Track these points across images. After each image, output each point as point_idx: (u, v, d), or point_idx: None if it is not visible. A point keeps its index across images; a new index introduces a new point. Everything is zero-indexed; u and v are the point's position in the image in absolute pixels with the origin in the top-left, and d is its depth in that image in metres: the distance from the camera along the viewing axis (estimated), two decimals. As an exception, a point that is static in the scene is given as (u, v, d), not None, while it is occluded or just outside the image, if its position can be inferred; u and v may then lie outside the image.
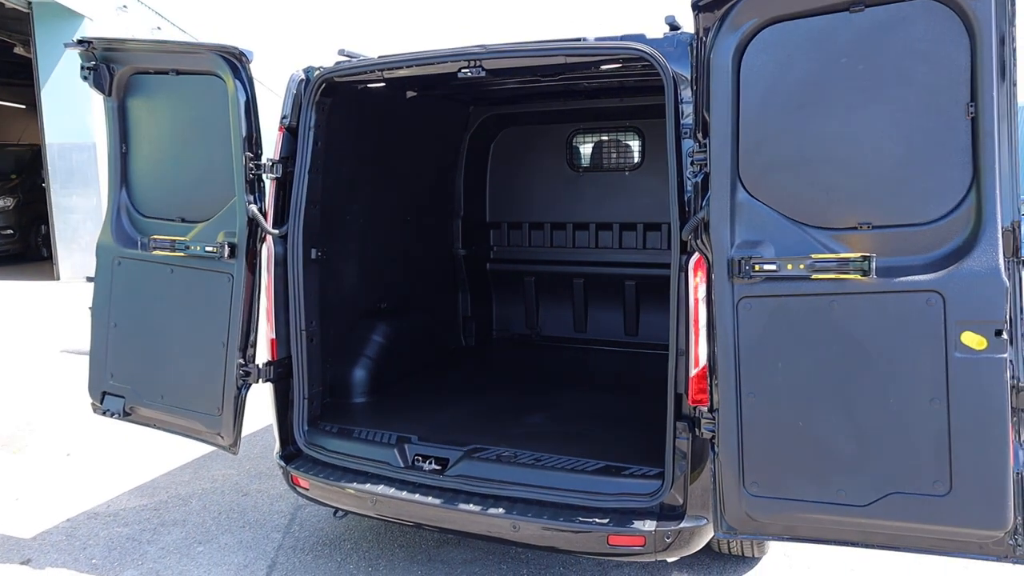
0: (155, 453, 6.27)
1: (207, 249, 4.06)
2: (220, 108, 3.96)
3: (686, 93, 3.34)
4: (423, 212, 5.94)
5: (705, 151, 3.04)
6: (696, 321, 3.22)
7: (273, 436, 4.34)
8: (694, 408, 3.25)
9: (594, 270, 6.35)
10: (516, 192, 6.59)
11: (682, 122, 3.34)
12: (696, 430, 3.21)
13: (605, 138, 6.35)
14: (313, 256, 4.25)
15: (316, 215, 4.24)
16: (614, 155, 6.29)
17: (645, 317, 6.31)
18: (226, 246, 3.99)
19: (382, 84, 4.45)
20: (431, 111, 5.74)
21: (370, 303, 5.24)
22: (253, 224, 4.00)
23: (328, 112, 4.22)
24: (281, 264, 4.15)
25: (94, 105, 14.74)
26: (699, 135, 3.10)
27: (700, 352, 3.22)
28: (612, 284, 6.33)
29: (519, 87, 5.36)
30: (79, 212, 14.88)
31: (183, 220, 4.28)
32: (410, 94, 5.25)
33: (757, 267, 2.93)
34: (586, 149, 6.42)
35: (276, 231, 4.06)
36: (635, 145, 6.20)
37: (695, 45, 3.00)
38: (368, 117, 4.75)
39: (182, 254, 4.16)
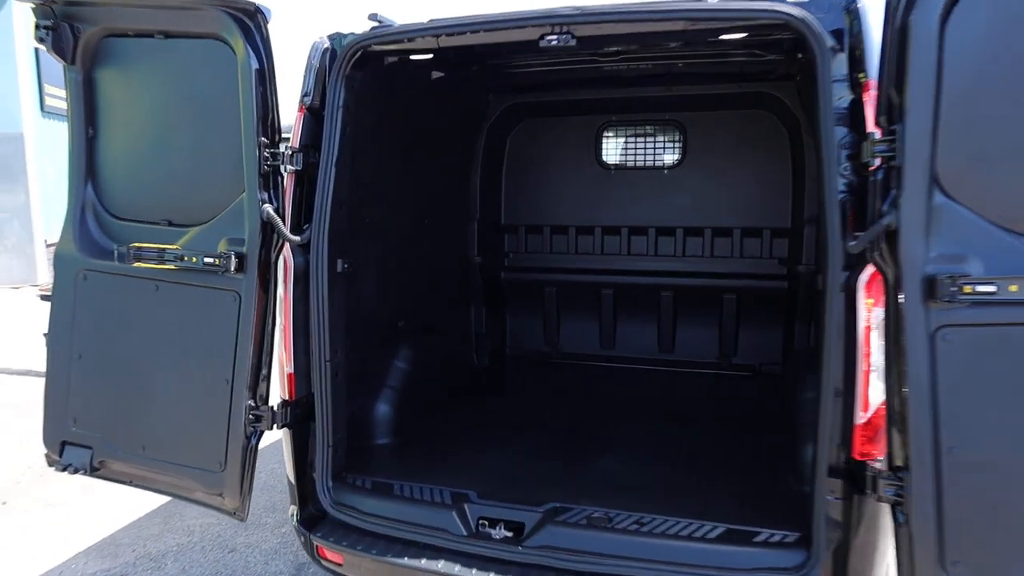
0: (114, 497, 5.25)
1: (207, 261, 3.19)
2: (225, 81, 3.09)
3: (839, 68, 2.67)
4: (440, 215, 5.14)
5: (892, 140, 2.38)
6: (867, 354, 2.55)
7: (287, 492, 3.49)
8: (859, 463, 2.59)
9: (626, 280, 5.67)
10: (536, 192, 5.85)
11: (835, 105, 2.67)
12: (865, 490, 2.55)
13: (641, 132, 5.67)
14: (339, 269, 3.41)
15: (343, 218, 3.41)
16: (651, 151, 5.62)
17: (682, 332, 5.66)
18: (232, 257, 3.13)
19: (425, 56, 3.65)
20: (449, 98, 4.95)
21: (389, 322, 4.42)
22: (268, 229, 3.15)
23: (357, 90, 3.39)
24: (301, 279, 3.31)
25: (23, 86, 13.25)
26: (881, 120, 2.43)
27: (871, 393, 2.56)
28: (646, 295, 5.65)
29: (550, 70, 4.63)
30: (5, 211, 13.35)
31: (171, 224, 3.39)
32: (436, 75, 4.46)
33: (967, 288, 2.28)
34: (618, 144, 5.73)
35: (297, 238, 3.21)
36: (675, 140, 5.54)
37: (892, 5, 2.32)
38: (392, 101, 3.93)
39: (172, 267, 3.27)
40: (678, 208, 5.51)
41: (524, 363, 5.90)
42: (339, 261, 3.42)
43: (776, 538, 2.87)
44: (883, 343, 2.50)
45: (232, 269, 3.12)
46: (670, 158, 5.57)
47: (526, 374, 5.68)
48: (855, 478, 2.62)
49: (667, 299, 5.61)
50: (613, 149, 5.70)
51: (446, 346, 4.93)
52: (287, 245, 3.25)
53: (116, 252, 3.34)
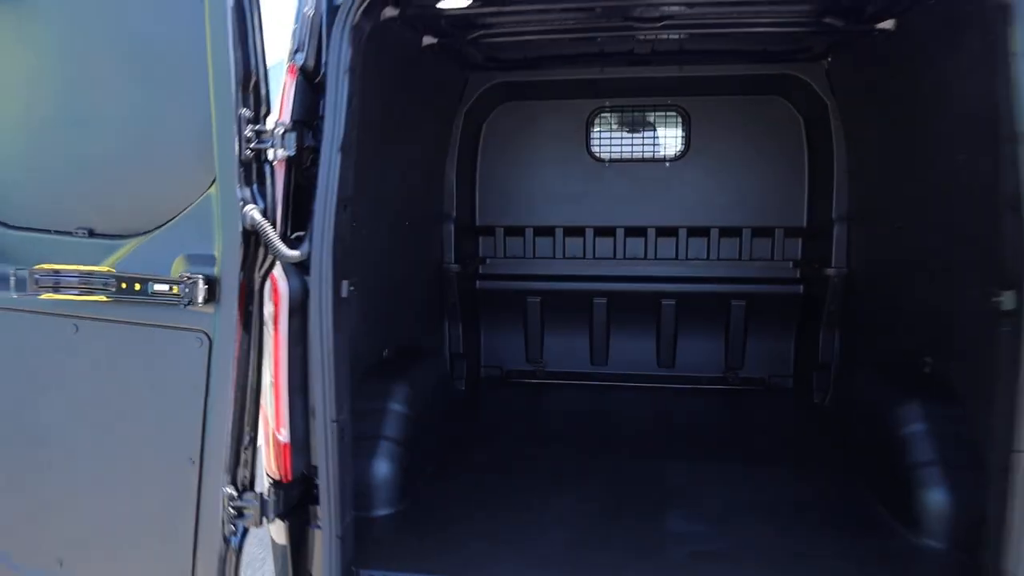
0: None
1: (158, 289, 2.19)
2: (181, 21, 2.11)
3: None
4: (416, 216, 4.24)
5: None
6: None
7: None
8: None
9: (621, 287, 4.98)
10: (516, 188, 5.05)
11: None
12: None
13: (639, 119, 5.00)
14: (345, 293, 2.49)
15: (346, 223, 2.49)
16: (649, 141, 4.96)
17: (684, 344, 5.05)
18: (200, 283, 2.15)
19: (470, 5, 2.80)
20: (426, 74, 4.06)
21: (375, 351, 3.50)
22: (252, 241, 2.20)
23: (363, 50, 2.47)
24: (298, 311, 2.36)
25: None
26: None
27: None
28: (644, 304, 5.00)
29: (538, 41, 3.85)
30: None
31: (93, 234, 2.35)
32: (427, 41, 3.57)
33: None
34: (612, 133, 5.03)
35: (295, 253, 2.27)
36: (678, 129, 4.91)
37: None
38: (373, 73, 3.00)
39: (102, 298, 2.23)
40: (680, 206, 4.89)
41: (505, 385, 5.10)
42: (344, 283, 2.49)
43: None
44: None
45: (199, 300, 2.14)
46: (671, 149, 4.94)
47: (520, 400, 4.88)
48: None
49: (668, 308, 4.98)
50: (606, 139, 4.99)
51: (434, 375, 4.05)
52: (278, 264, 2.29)
53: (12, 278, 2.25)
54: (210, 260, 2.20)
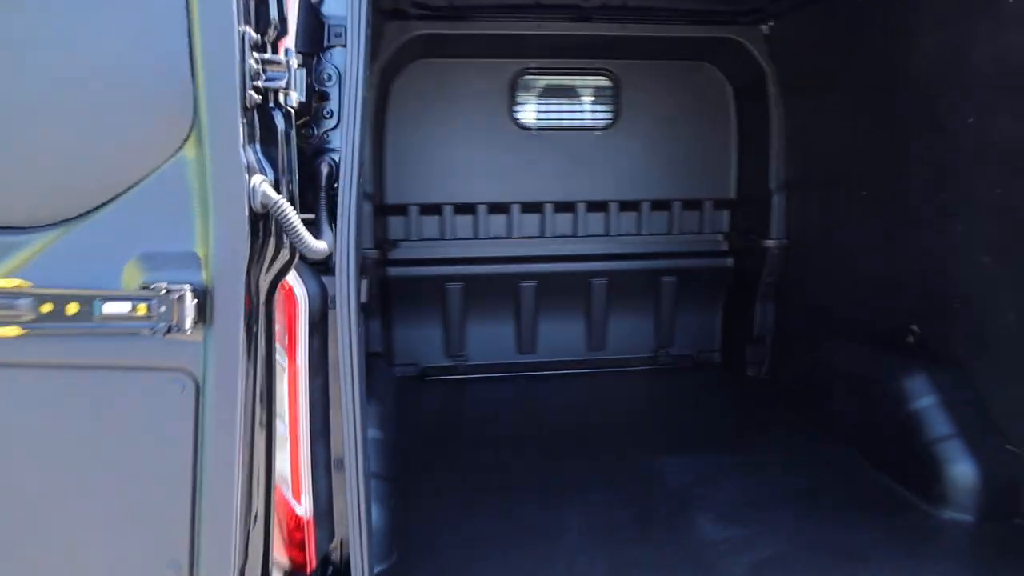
0: None
1: (109, 312, 1.38)
2: None
3: None
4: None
5: None
6: None
7: None
8: None
9: (550, 268, 4.57)
10: (432, 160, 4.41)
11: None
12: None
13: (567, 83, 4.56)
14: (364, 296, 1.82)
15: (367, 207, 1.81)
16: (578, 108, 4.56)
17: (615, 325, 4.77)
18: (186, 298, 1.39)
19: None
20: None
21: None
22: (263, 229, 1.47)
23: None
24: (319, 328, 1.66)
25: None
26: None
27: None
28: (573, 285, 4.64)
29: None
30: None
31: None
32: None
33: None
34: (540, 98, 4.54)
35: (322, 245, 1.55)
36: (608, 95, 4.55)
37: None
38: None
39: (11, 331, 1.38)
40: (611, 178, 4.57)
41: (423, 386, 4.50)
42: (364, 283, 1.82)
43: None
44: None
45: (187, 324, 1.38)
46: (601, 117, 4.58)
47: (440, 401, 4.30)
48: None
49: (598, 287, 4.66)
50: (532, 104, 4.51)
51: (392, 385, 3.37)
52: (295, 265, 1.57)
53: None
54: (190, 261, 1.43)
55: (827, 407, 3.57)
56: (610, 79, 4.50)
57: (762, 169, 4.31)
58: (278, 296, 1.55)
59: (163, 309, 1.38)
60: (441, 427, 3.88)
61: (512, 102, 4.43)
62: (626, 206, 4.61)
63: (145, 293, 1.38)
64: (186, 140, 1.43)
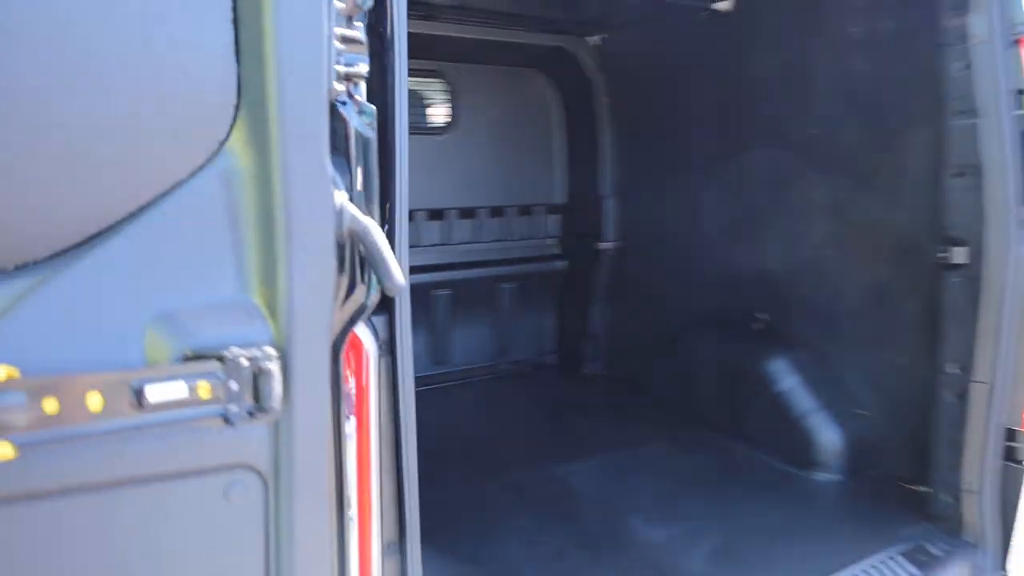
0: None
1: (158, 398, 0.94)
2: None
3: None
4: None
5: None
6: None
7: None
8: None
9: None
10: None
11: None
12: None
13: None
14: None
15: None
16: (418, 111, 4.29)
17: (459, 335, 4.63)
18: (269, 367, 0.99)
19: None
20: None
21: None
22: (352, 266, 1.12)
23: None
24: (386, 381, 1.31)
25: None
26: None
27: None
28: (415, 299, 4.36)
29: None
30: None
31: None
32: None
33: None
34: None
35: (403, 278, 1.22)
36: (442, 97, 4.36)
37: None
38: None
39: (8, 451, 0.85)
40: (450, 185, 4.41)
41: None
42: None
43: (941, 545, 2.57)
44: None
45: (272, 402, 0.99)
46: (440, 122, 4.38)
47: None
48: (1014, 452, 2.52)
49: (443, 299, 4.49)
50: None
51: None
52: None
53: None
54: (248, 313, 1.04)
55: (690, 395, 3.84)
56: (447, 82, 4.33)
57: (594, 175, 4.50)
58: (347, 349, 1.18)
59: (235, 387, 0.96)
60: None
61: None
62: (464, 213, 4.49)
63: (203, 367, 0.96)
64: (224, 142, 1.03)
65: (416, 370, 4.25)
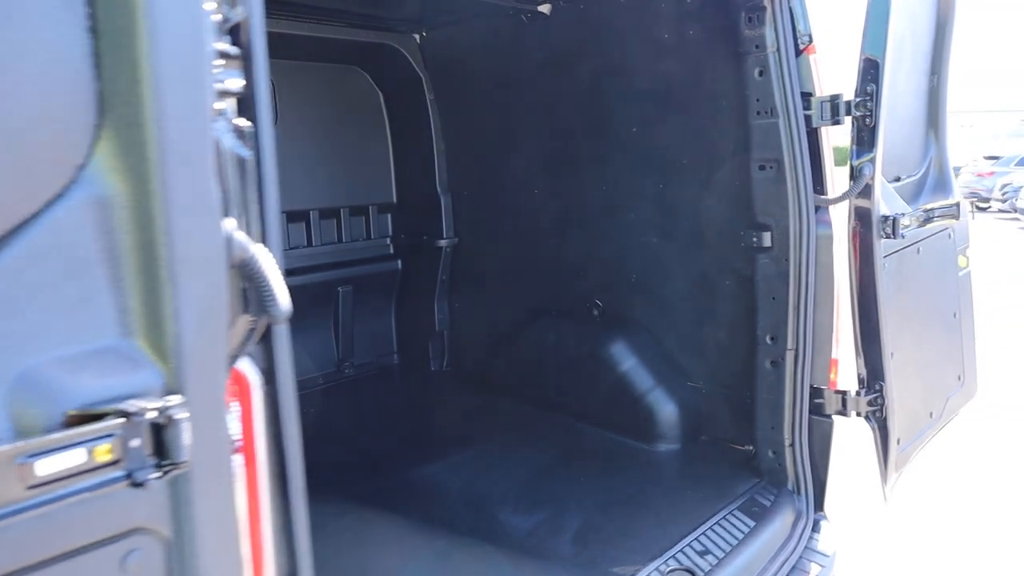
0: None
1: (48, 469, 0.81)
2: None
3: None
4: None
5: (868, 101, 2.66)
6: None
7: None
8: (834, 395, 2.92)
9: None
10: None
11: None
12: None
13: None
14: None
15: None
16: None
17: (296, 344, 4.39)
18: (175, 418, 0.90)
19: None
20: None
21: None
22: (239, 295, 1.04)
23: None
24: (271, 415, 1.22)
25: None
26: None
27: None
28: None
29: None
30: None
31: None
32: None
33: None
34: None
35: (288, 304, 1.15)
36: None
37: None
38: None
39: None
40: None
41: None
42: None
43: (769, 495, 2.92)
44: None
45: (181, 455, 0.90)
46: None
47: None
48: (821, 407, 2.93)
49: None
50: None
51: None
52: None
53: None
54: (133, 360, 0.93)
55: (537, 383, 3.98)
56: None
57: (426, 172, 4.49)
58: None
59: (137, 443, 0.86)
60: None
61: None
62: (294, 217, 4.28)
63: (97, 427, 0.84)
64: (86, 163, 0.91)
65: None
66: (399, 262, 4.75)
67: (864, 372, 2.83)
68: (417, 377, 4.68)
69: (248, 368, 1.15)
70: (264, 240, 1.22)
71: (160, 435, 0.88)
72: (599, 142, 3.61)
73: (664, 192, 3.40)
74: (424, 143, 4.45)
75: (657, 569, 2.43)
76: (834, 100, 2.72)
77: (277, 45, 3.87)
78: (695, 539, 2.60)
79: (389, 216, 4.74)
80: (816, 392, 2.93)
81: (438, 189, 4.49)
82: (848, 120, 2.71)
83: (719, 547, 2.57)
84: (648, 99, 3.35)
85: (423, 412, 4.17)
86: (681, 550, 2.54)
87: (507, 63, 3.91)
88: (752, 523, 2.73)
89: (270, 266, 1.09)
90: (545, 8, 3.54)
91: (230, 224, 0.99)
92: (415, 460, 3.36)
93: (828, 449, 2.96)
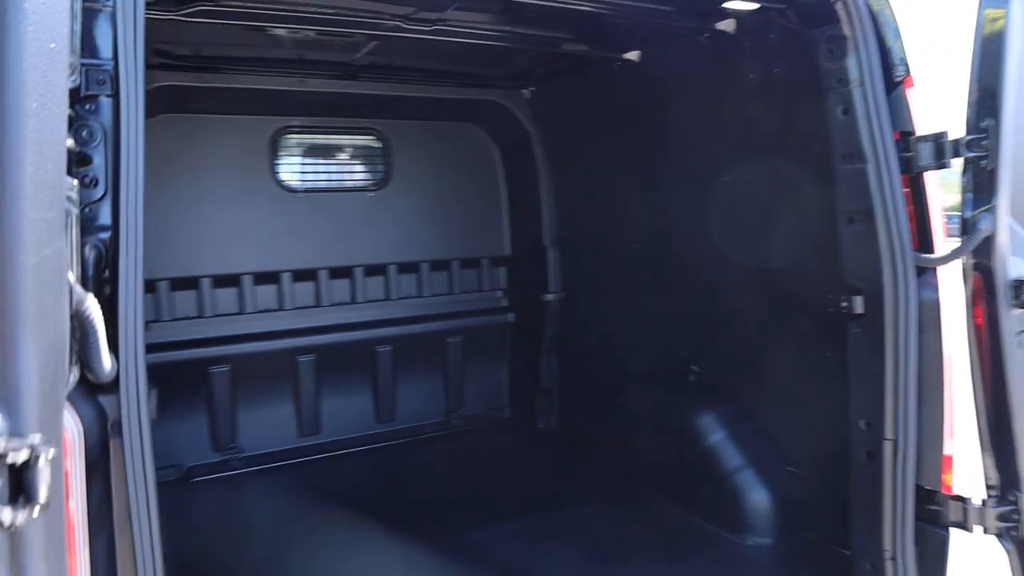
0: None
1: None
2: None
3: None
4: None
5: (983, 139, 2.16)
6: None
7: None
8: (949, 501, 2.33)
9: (329, 339, 4.21)
10: (182, 227, 3.83)
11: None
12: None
13: (333, 142, 4.27)
14: (154, 412, 1.43)
15: None
16: (347, 168, 4.30)
17: (403, 392, 4.53)
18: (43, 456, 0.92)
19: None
20: None
21: None
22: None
23: None
24: (97, 469, 1.23)
25: None
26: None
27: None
28: (356, 355, 4.32)
29: (225, 32, 3.05)
30: None
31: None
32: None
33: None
34: (304, 158, 4.18)
35: (111, 364, 1.15)
36: (377, 155, 4.36)
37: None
38: None
39: None
40: (387, 240, 4.38)
41: (188, 490, 3.82)
42: (153, 394, 1.43)
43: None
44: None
45: (41, 495, 0.92)
46: (372, 178, 4.38)
47: (208, 509, 3.66)
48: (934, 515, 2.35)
49: (384, 355, 4.41)
50: (297, 165, 4.16)
51: None
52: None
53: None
54: None
55: (624, 452, 3.69)
56: (379, 138, 4.34)
57: (535, 225, 4.45)
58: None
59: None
60: (205, 537, 3.28)
61: (274, 162, 4.05)
62: (405, 268, 4.45)
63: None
64: None
65: (358, 430, 4.15)
66: (511, 315, 4.71)
67: (995, 477, 2.24)
68: (519, 434, 4.56)
69: (69, 415, 1.16)
70: (116, 288, 1.25)
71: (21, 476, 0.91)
72: (692, 192, 3.33)
73: (758, 249, 3.02)
74: (533, 196, 4.42)
75: None
76: (938, 140, 2.24)
77: (390, 106, 4.13)
78: None
79: (504, 269, 4.74)
80: (928, 496, 2.36)
81: (545, 243, 4.42)
82: (958, 163, 2.22)
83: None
84: (739, 146, 3.03)
85: (506, 470, 4.03)
86: None
87: (605, 113, 3.79)
88: None
89: (100, 323, 1.09)
90: (634, 55, 3.37)
91: (72, 275, 1.01)
92: (475, 519, 3.24)
93: (943, 568, 2.36)
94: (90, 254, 1.29)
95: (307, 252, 4.14)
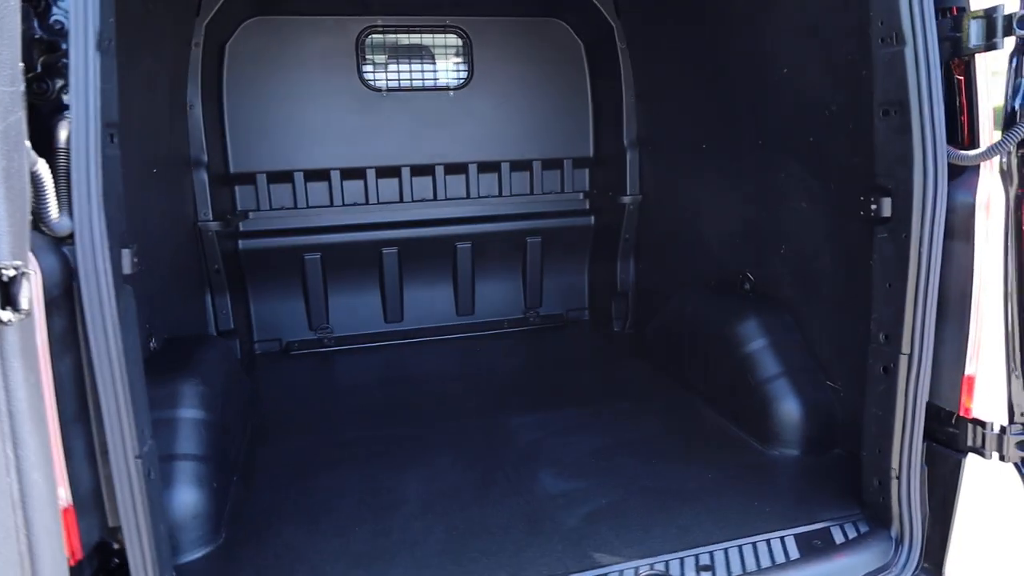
0: None
1: None
2: None
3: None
4: (162, 160, 3.25)
5: None
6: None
7: None
8: (960, 420, 2.14)
9: (411, 233, 4.48)
10: (277, 125, 4.19)
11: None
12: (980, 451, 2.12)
13: (416, 43, 4.41)
14: (129, 268, 1.70)
15: (116, 161, 1.68)
16: (430, 68, 4.43)
17: (483, 288, 4.74)
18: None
19: None
20: None
21: (145, 346, 2.59)
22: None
23: None
24: (60, 303, 1.52)
25: None
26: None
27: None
28: (437, 250, 4.57)
29: None
30: None
31: None
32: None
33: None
34: (388, 58, 4.37)
35: (65, 221, 1.41)
36: (460, 54, 4.45)
37: None
38: None
39: None
40: (468, 139, 4.50)
41: (287, 361, 4.34)
42: (126, 252, 1.69)
43: (852, 532, 2.31)
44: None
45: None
46: (454, 77, 4.48)
47: (302, 377, 4.15)
48: (950, 438, 2.18)
49: (463, 251, 4.62)
50: (381, 65, 4.35)
51: (225, 364, 3.18)
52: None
53: None
54: None
55: (676, 357, 3.67)
56: (461, 37, 4.39)
57: (616, 126, 4.34)
58: None
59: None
60: (302, 402, 3.75)
61: (360, 62, 4.26)
62: (485, 167, 4.56)
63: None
64: None
65: (438, 320, 4.45)
66: (592, 218, 4.71)
67: (1021, 403, 2.04)
68: (595, 335, 4.64)
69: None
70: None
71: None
72: (755, 85, 3.10)
73: (813, 146, 2.79)
74: (615, 95, 4.30)
75: (635, 568, 2.16)
76: (990, 15, 1.93)
77: (475, 2, 4.13)
78: (707, 552, 2.22)
79: (587, 171, 4.71)
80: (944, 416, 2.19)
81: (625, 143, 4.31)
82: (1009, 43, 1.92)
83: (727, 570, 2.15)
84: (796, 34, 2.76)
85: (564, 368, 4.14)
86: (680, 558, 2.20)
87: (680, 11, 3.55)
88: (797, 556, 2.21)
89: (49, 176, 1.34)
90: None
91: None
92: (515, 406, 3.42)
93: (954, 493, 2.20)
94: (61, 132, 1.52)
95: (391, 150, 4.37)
